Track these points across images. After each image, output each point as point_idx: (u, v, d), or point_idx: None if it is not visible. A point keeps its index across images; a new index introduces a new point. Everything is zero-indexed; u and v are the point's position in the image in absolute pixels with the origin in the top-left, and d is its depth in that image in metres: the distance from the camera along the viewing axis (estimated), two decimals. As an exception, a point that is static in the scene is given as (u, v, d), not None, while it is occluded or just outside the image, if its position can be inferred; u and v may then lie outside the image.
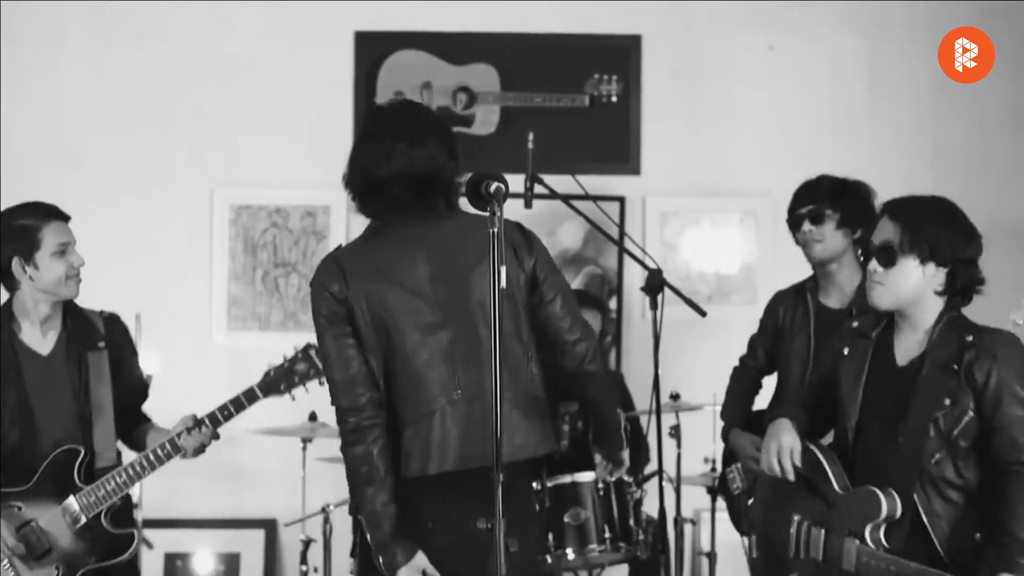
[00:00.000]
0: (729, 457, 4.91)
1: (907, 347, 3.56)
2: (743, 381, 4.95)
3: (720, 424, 4.87)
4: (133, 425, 4.27)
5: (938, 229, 3.48)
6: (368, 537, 3.41)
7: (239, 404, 4.09)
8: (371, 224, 3.52)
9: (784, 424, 3.69)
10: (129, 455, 4.19)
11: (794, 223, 4.66)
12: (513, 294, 3.44)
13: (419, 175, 3.42)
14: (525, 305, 3.49)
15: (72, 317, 4.19)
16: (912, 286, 3.50)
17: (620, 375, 5.87)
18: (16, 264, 4.08)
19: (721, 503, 5.25)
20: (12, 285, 4.13)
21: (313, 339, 3.59)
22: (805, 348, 4.64)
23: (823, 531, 3.59)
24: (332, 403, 3.44)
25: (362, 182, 3.46)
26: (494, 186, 3.20)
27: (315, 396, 5.46)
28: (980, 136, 6.18)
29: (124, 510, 4.18)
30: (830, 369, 3.75)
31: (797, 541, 3.65)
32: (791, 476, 3.62)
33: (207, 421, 4.09)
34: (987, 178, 6.04)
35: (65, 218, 4.14)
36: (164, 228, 6.09)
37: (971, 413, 3.42)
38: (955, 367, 3.43)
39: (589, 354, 3.58)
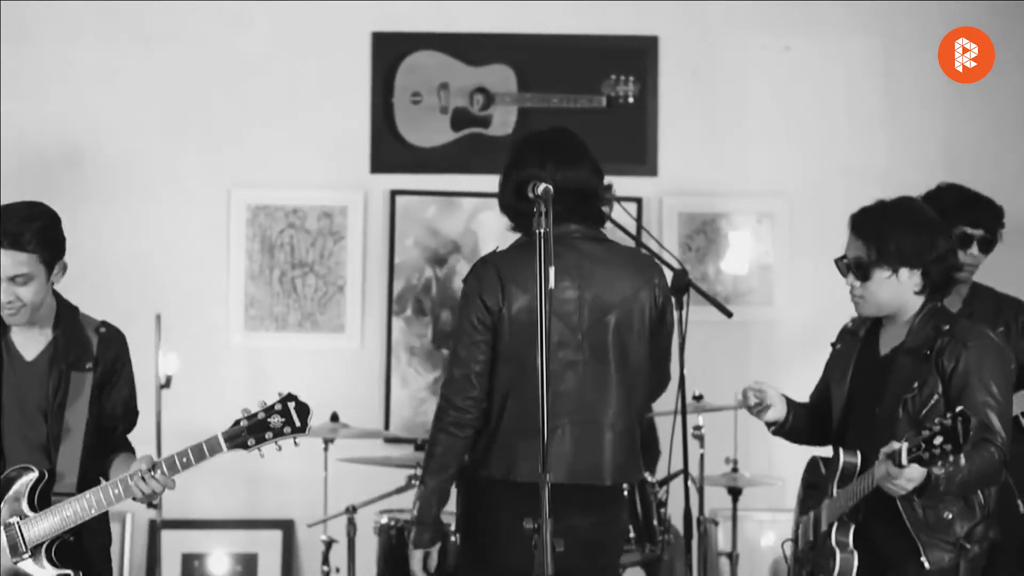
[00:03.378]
0: None
1: (890, 339, 3.72)
2: None
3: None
4: (109, 452, 3.84)
5: (902, 237, 3.62)
6: (415, 509, 3.74)
7: (200, 453, 3.57)
8: (523, 237, 3.68)
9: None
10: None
11: (963, 241, 4.45)
12: (644, 324, 3.70)
13: (573, 191, 3.58)
14: (649, 340, 3.74)
15: (65, 325, 3.78)
16: (890, 294, 3.66)
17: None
18: None
19: (741, 503, 5.28)
20: None
21: (295, 391, 3.60)
22: None
23: (811, 515, 3.76)
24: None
25: (518, 201, 3.54)
26: (541, 187, 3.23)
27: (336, 397, 5.52)
28: (993, 136, 6.18)
29: (70, 546, 3.71)
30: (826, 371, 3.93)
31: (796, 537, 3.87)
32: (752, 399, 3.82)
33: (164, 467, 3.59)
34: (1001, 178, 6.02)
35: (12, 244, 3.63)
36: (181, 229, 6.06)
37: (937, 396, 3.54)
38: (927, 352, 3.58)
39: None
